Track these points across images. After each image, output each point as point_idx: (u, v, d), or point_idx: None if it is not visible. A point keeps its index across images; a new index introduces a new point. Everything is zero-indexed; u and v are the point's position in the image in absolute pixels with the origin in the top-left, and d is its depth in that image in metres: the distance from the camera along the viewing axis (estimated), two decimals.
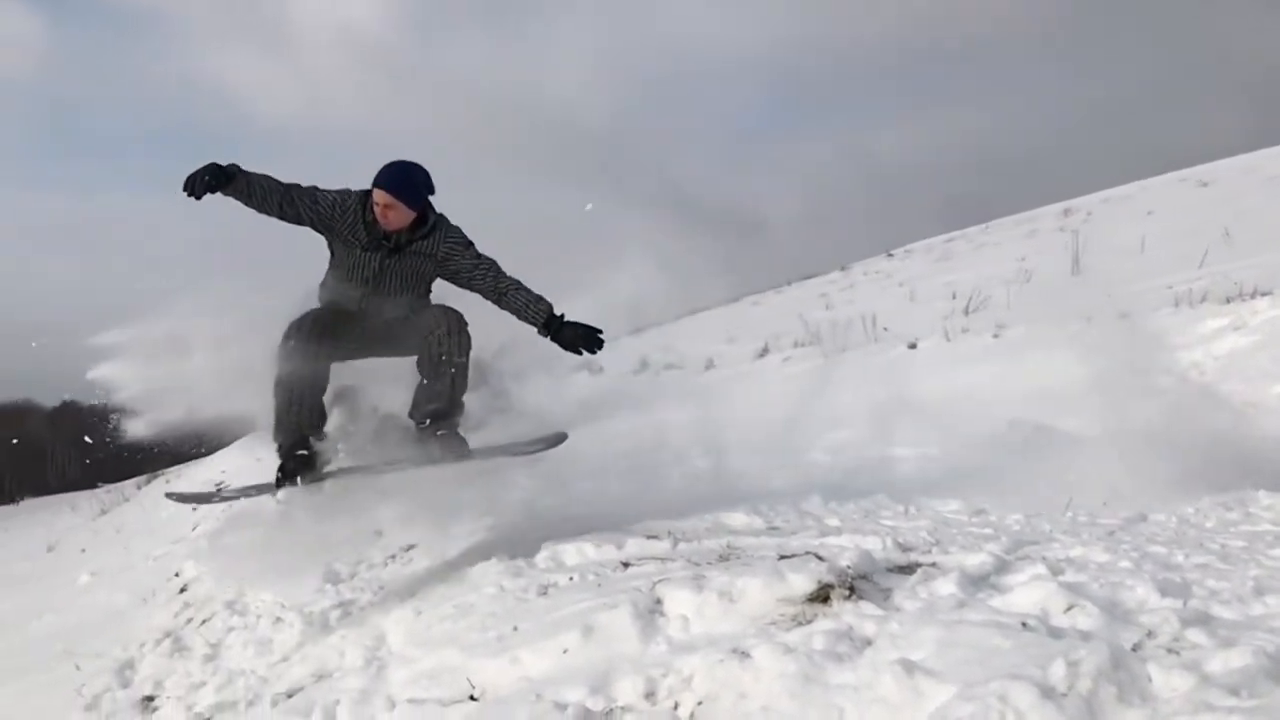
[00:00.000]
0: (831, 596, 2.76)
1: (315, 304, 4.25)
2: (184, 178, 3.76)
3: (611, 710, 2.51)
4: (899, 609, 2.68)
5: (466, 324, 4.08)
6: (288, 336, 3.98)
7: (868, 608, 2.68)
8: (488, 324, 4.20)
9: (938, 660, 2.22)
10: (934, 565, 3.02)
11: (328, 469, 4.11)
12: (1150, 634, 2.28)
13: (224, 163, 3.84)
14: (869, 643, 2.46)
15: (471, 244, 4.16)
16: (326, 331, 4.03)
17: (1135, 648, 2.21)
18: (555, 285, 4.86)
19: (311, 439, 4.10)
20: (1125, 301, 8.01)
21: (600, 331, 4.08)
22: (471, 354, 4.12)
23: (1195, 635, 2.24)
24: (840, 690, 2.24)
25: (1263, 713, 1.83)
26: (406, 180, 3.99)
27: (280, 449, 4.08)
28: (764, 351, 11.22)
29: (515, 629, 3.13)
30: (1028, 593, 2.58)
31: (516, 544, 3.97)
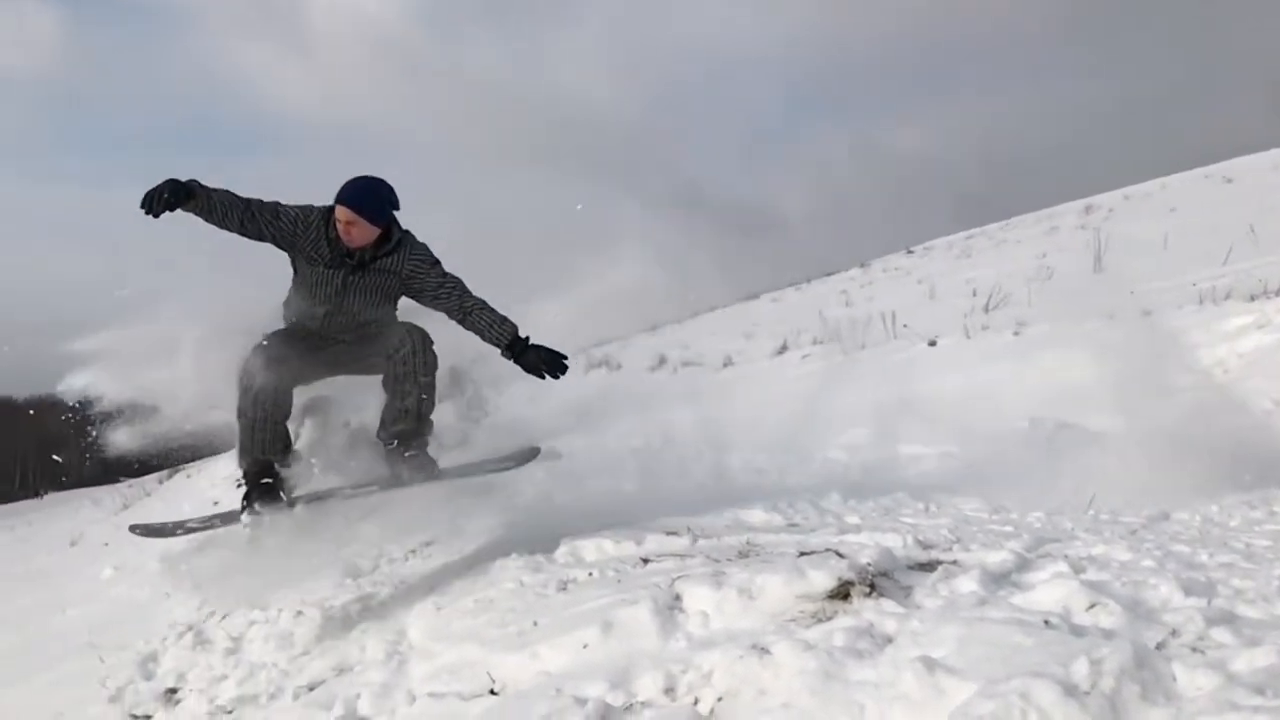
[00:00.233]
0: (852, 594, 2.75)
1: (280, 322, 4.19)
2: (142, 195, 3.66)
3: (631, 705, 2.51)
4: (920, 606, 2.67)
5: (431, 342, 4.03)
6: (246, 367, 3.92)
7: (888, 605, 2.67)
8: (463, 330, 4.13)
9: (959, 658, 2.21)
10: (955, 563, 3.01)
11: (294, 494, 4.05)
12: (1174, 633, 2.27)
13: (183, 178, 3.75)
14: (890, 640, 2.45)
15: (437, 262, 4.09)
16: (287, 357, 3.97)
17: (1159, 646, 2.19)
18: (561, 282, 4.86)
19: (276, 465, 4.05)
20: (1148, 299, 7.95)
21: (564, 356, 4.02)
22: (439, 371, 4.07)
23: (1220, 634, 2.22)
24: (861, 687, 2.24)
25: None
26: (369, 196, 3.90)
27: (245, 476, 4.04)
28: (783, 349, 11.19)
29: (535, 624, 3.14)
30: (1050, 590, 2.57)
31: (535, 540, 3.98)
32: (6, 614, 8.38)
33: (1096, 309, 7.29)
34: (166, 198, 3.65)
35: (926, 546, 3.26)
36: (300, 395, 4.25)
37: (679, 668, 2.58)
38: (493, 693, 2.89)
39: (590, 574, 3.49)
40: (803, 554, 3.16)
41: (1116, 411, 5.28)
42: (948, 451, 5.78)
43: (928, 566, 3.01)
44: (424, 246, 4.09)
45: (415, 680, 3.18)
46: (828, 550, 3.12)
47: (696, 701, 2.46)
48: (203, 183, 3.80)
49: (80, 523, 14.57)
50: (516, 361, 4.00)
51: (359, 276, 4.01)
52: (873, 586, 2.79)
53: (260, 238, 3.95)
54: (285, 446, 4.11)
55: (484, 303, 4.03)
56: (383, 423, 4.14)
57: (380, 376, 4.11)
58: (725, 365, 11.34)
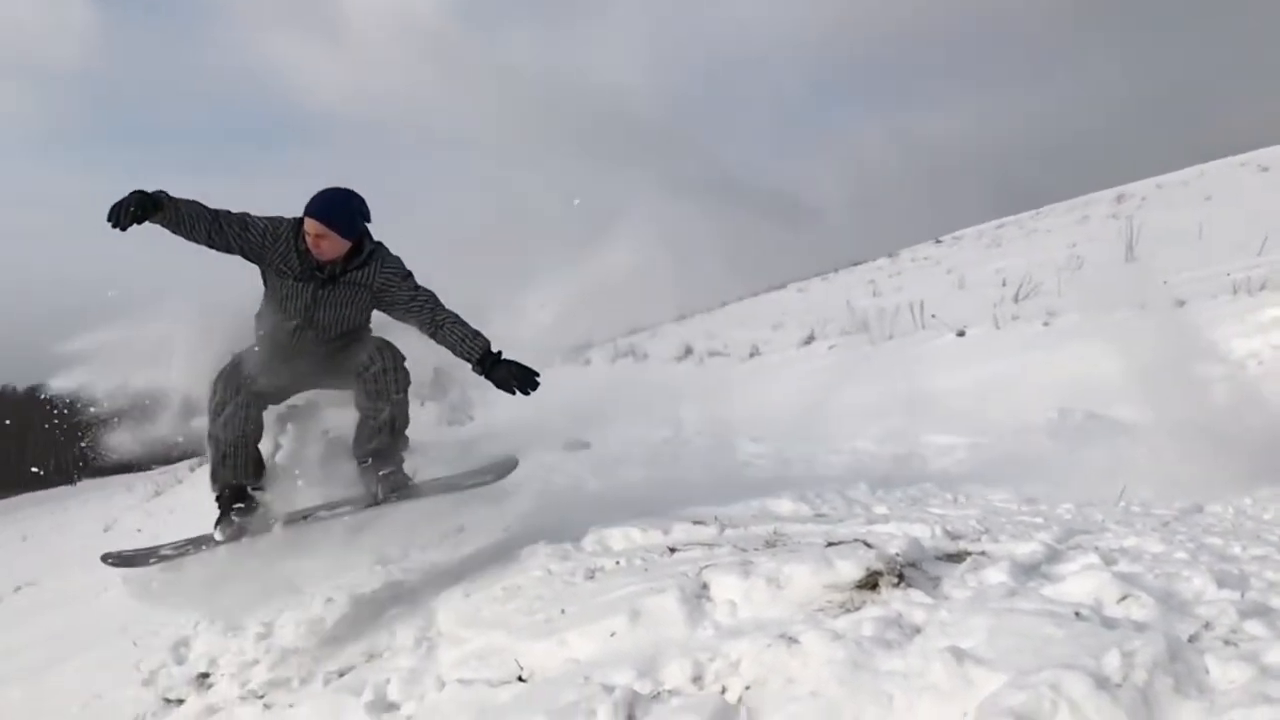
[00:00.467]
0: (880, 584, 2.75)
1: (251, 337, 4.11)
2: (109, 207, 3.56)
3: (659, 693, 2.52)
4: (948, 597, 2.66)
5: (403, 358, 3.98)
6: (215, 391, 3.88)
7: (917, 595, 2.66)
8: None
9: (988, 648, 2.21)
10: (984, 554, 2.99)
11: (268, 518, 3.99)
12: (1207, 625, 2.25)
13: (150, 189, 3.65)
14: (918, 630, 2.45)
15: (410, 274, 4.00)
16: (257, 379, 3.91)
17: (1192, 639, 2.18)
18: (561, 271, 4.82)
19: (249, 488, 4.00)
20: (1181, 289, 7.86)
21: (536, 373, 3.91)
22: (424, 374, 4.07)
23: (1253, 627, 2.20)
24: (889, 677, 2.24)
25: None
26: (339, 209, 3.82)
27: (218, 500, 3.99)
28: (810, 339, 11.16)
29: (563, 612, 3.15)
30: (1080, 582, 2.55)
31: (563, 528, 3.99)
32: (47, 598, 8.53)
33: (1128, 299, 7.21)
34: (133, 210, 3.56)
35: (955, 537, 3.25)
36: (275, 408, 4.20)
37: (706, 656, 2.58)
38: (521, 679, 2.91)
39: (618, 562, 3.51)
40: (830, 544, 3.15)
41: (1147, 403, 5.23)
42: (976, 442, 5.75)
43: (956, 557, 3.00)
44: (396, 259, 4.01)
45: (444, 666, 3.21)
46: (856, 540, 3.11)
47: (724, 690, 2.46)
48: (170, 194, 3.70)
49: (114, 509, 14.79)
50: (487, 376, 3.91)
51: (329, 290, 3.93)
52: (901, 577, 2.78)
53: (228, 250, 3.85)
54: (258, 469, 4.03)
55: (456, 317, 3.94)
56: (356, 440, 4.09)
57: (353, 393, 4.05)
58: (752, 355, 11.32)
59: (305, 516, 4.03)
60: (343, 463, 4.25)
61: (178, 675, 4.35)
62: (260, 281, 4.02)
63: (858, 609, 2.66)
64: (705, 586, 2.97)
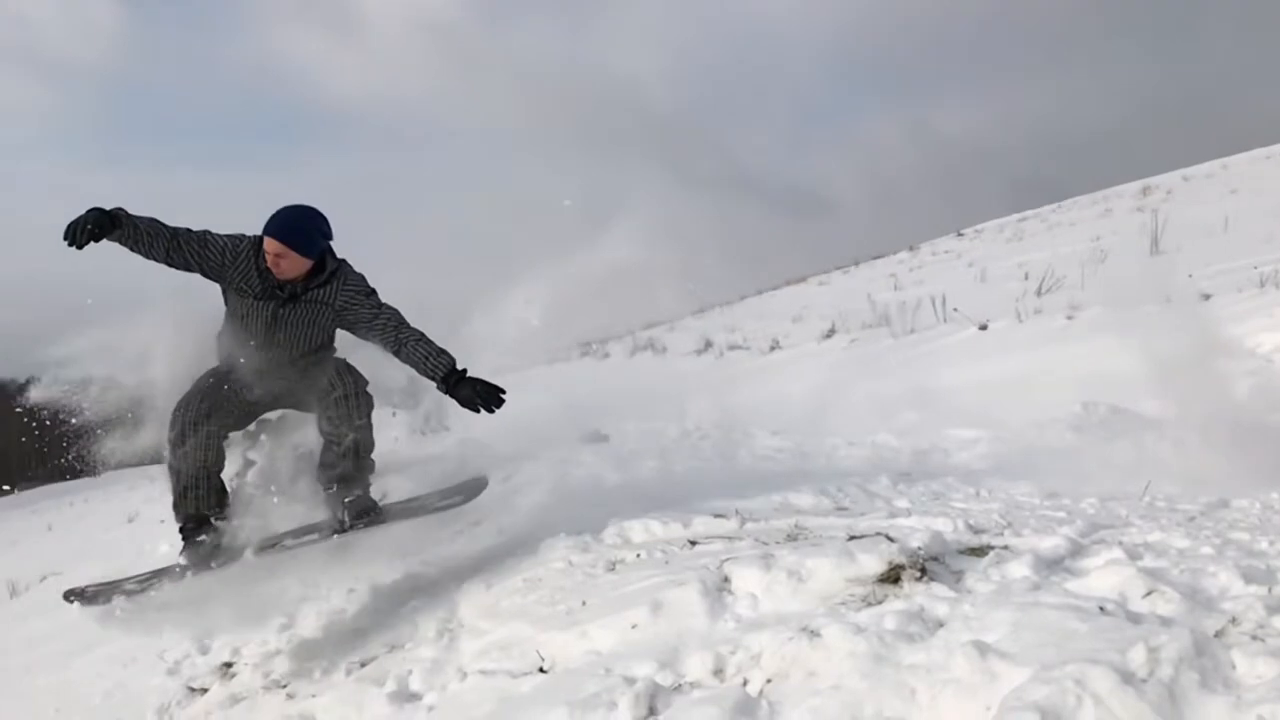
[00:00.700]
0: (902, 577, 2.74)
1: (213, 358, 4.05)
2: (65, 225, 3.48)
3: (680, 685, 2.52)
4: (971, 591, 2.65)
5: (366, 383, 3.93)
6: (174, 423, 3.80)
7: (939, 589, 2.66)
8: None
9: (1012, 642, 2.20)
10: (1006, 548, 2.98)
11: (235, 546, 3.92)
12: (1234, 620, 2.23)
13: (108, 207, 3.57)
14: (941, 624, 2.44)
15: (373, 292, 3.93)
16: (214, 409, 3.83)
17: (1218, 634, 2.16)
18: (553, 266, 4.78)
19: (213, 519, 3.92)
20: (1207, 282, 7.78)
21: (502, 390, 3.80)
22: (374, 413, 3.95)
23: None
24: (912, 670, 2.23)
25: None
26: (299, 227, 3.75)
27: (181, 531, 3.93)
28: (830, 332, 11.11)
29: (584, 603, 3.16)
30: (1104, 577, 2.54)
31: (583, 520, 3.99)
32: (73, 585, 8.60)
33: (1152, 293, 7.16)
34: (90, 228, 3.48)
35: (977, 531, 3.24)
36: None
37: (728, 649, 2.59)
38: (542, 671, 2.92)
39: (638, 555, 3.51)
40: (852, 537, 3.15)
41: (1172, 397, 5.18)
42: (998, 436, 5.71)
43: (979, 551, 2.99)
44: (359, 277, 3.95)
45: (466, 657, 3.23)
46: (877, 534, 3.11)
47: (745, 683, 2.46)
48: (129, 211, 3.64)
49: (136, 500, 14.91)
50: (451, 395, 3.81)
51: (290, 309, 3.86)
52: (923, 570, 2.77)
53: (187, 268, 3.78)
54: (221, 499, 3.97)
55: (421, 334, 3.87)
56: (321, 465, 4.04)
57: (315, 417, 3.99)
58: (772, 349, 11.28)
59: (273, 545, 3.97)
60: (306, 485, 4.17)
61: (201, 665, 4.40)
62: (222, 301, 3.97)
63: (880, 602, 2.65)
64: (726, 579, 2.97)
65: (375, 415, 4.03)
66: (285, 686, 3.80)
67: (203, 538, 3.86)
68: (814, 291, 17.71)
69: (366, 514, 4.00)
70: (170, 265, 3.75)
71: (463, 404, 3.81)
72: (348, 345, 4.14)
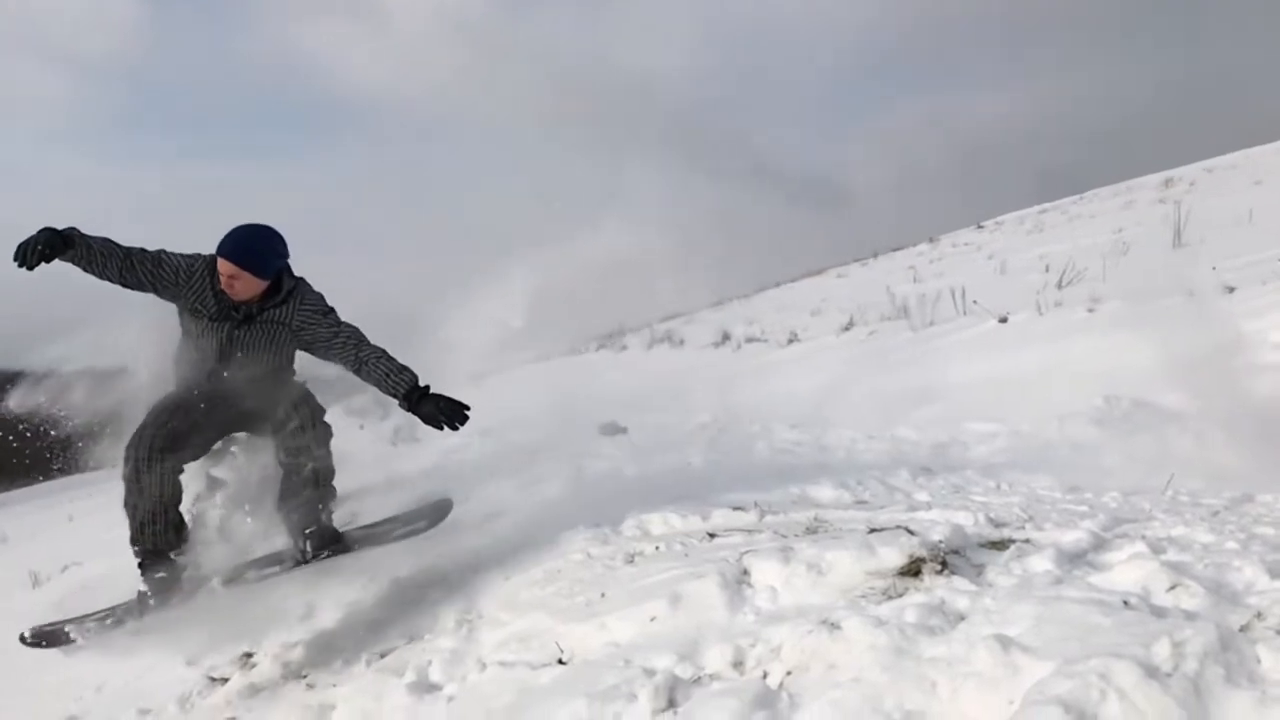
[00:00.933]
0: (923, 570, 2.73)
1: (169, 383, 3.98)
2: (15, 246, 3.39)
3: (700, 678, 2.52)
4: (992, 584, 2.64)
5: (323, 411, 3.89)
6: (127, 459, 3.71)
7: (960, 582, 2.64)
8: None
9: (1034, 636, 2.18)
10: (1028, 541, 2.96)
11: (196, 579, 3.83)
12: (1259, 615, 2.21)
13: (60, 227, 3.49)
14: (962, 617, 2.43)
15: (331, 311, 3.87)
16: (169, 444, 3.74)
17: (1243, 629, 2.14)
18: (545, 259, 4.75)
19: (172, 554, 3.82)
20: (1231, 275, 7.71)
21: (466, 406, 3.72)
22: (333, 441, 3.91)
23: None
24: (933, 664, 2.22)
25: None
26: (252, 248, 3.69)
27: (139, 566, 3.84)
28: (849, 325, 11.07)
29: (603, 595, 3.16)
30: (1128, 571, 2.52)
31: (602, 513, 4.00)
32: (96, 576, 8.66)
33: (1175, 285, 7.09)
34: (41, 249, 3.40)
35: (998, 525, 3.22)
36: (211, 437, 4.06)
37: (748, 641, 2.58)
38: (561, 662, 2.93)
39: (657, 547, 3.51)
40: (872, 530, 3.14)
41: (1195, 390, 5.14)
42: (1018, 430, 5.69)
43: (1000, 545, 2.98)
44: (318, 296, 3.89)
45: (485, 648, 3.23)
46: (898, 527, 3.10)
47: (765, 675, 2.46)
48: (82, 231, 3.57)
49: None
50: (413, 412, 3.73)
51: (246, 330, 3.81)
52: (944, 564, 2.76)
53: (141, 288, 3.71)
54: (179, 532, 3.87)
55: (382, 352, 3.80)
56: (281, 495, 3.99)
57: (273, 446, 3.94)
58: (790, 341, 11.25)
59: (236, 578, 3.93)
60: (268, 506, 4.09)
61: (221, 655, 4.42)
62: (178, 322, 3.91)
63: (900, 595, 2.64)
64: (746, 572, 2.97)
65: (340, 432, 3.98)
66: (305, 677, 3.82)
67: (162, 574, 3.79)
68: (833, 284, 17.66)
69: (329, 545, 3.97)
70: (124, 285, 3.70)
71: (425, 421, 3.73)
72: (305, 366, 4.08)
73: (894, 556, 2.79)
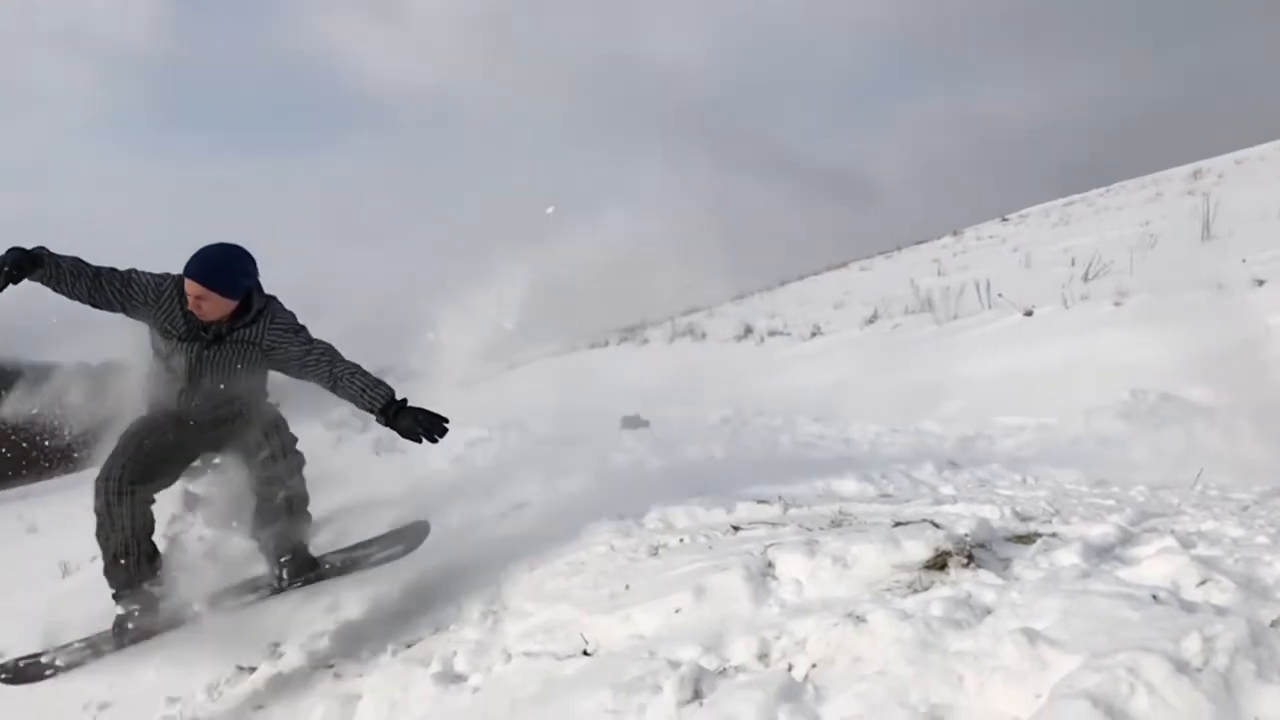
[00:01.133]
0: (949, 564, 2.72)
1: (142, 406, 3.99)
2: None
3: (725, 670, 2.52)
4: (1019, 578, 2.62)
5: (295, 440, 3.89)
6: (98, 493, 3.73)
7: (986, 576, 2.63)
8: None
9: (1062, 630, 2.17)
10: (1054, 535, 2.95)
11: (172, 608, 3.86)
12: None
13: (29, 246, 3.50)
14: (989, 611, 2.42)
15: (302, 329, 3.85)
16: (140, 475, 3.78)
17: (1274, 624, 2.12)
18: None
19: (146, 586, 3.84)
20: (1261, 268, 7.62)
21: (444, 419, 3.68)
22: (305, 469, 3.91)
23: None
24: (959, 657, 2.21)
25: None
26: (219, 268, 3.68)
27: (114, 597, 3.86)
28: (873, 318, 11.02)
29: (627, 587, 3.17)
30: (1157, 565, 2.50)
31: (626, 505, 4.00)
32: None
33: (1204, 278, 7.02)
34: (8, 270, 3.39)
35: (1025, 518, 3.20)
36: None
37: (772, 634, 2.58)
38: (586, 653, 2.94)
39: (681, 540, 3.51)
40: (898, 524, 3.13)
41: (1224, 384, 5.10)
42: (1045, 423, 5.65)
43: (1026, 539, 2.96)
44: (289, 314, 3.88)
45: (510, 639, 3.25)
46: (923, 520, 3.08)
47: (790, 668, 2.46)
48: (51, 250, 3.56)
49: (173, 489, 15.14)
50: (391, 426, 3.69)
51: (216, 350, 3.80)
52: (970, 557, 2.75)
53: (110, 308, 3.71)
54: (153, 563, 3.88)
55: (357, 368, 3.77)
56: (255, 523, 4.00)
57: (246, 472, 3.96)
58: (813, 335, 11.21)
59: (213, 605, 3.94)
60: (245, 522, 4.15)
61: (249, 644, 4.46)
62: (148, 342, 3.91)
63: (926, 589, 2.63)
64: (770, 565, 2.97)
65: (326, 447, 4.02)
66: (332, 666, 3.85)
67: (136, 606, 3.81)
68: (856, 277, 17.56)
69: (305, 572, 4.00)
70: (94, 305, 3.69)
71: (404, 434, 3.69)
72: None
73: (919, 550, 2.78)
